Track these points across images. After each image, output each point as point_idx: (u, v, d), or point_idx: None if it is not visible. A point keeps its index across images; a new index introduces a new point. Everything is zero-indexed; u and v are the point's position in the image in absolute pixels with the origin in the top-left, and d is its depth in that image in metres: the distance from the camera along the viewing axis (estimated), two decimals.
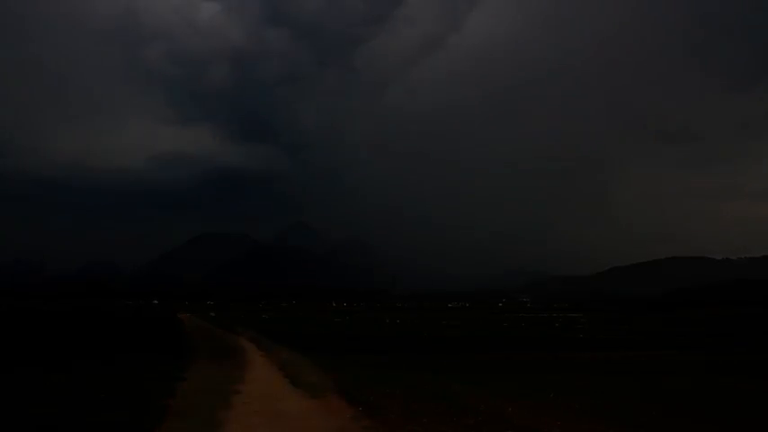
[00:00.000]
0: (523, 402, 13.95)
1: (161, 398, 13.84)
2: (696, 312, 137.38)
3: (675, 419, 12.52)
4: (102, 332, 28.00)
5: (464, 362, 23.85)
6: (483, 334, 48.09)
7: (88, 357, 23.62)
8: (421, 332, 48.88)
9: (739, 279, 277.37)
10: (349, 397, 14.20)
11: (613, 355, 28.86)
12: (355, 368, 20.46)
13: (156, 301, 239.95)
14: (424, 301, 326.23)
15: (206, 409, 13.06)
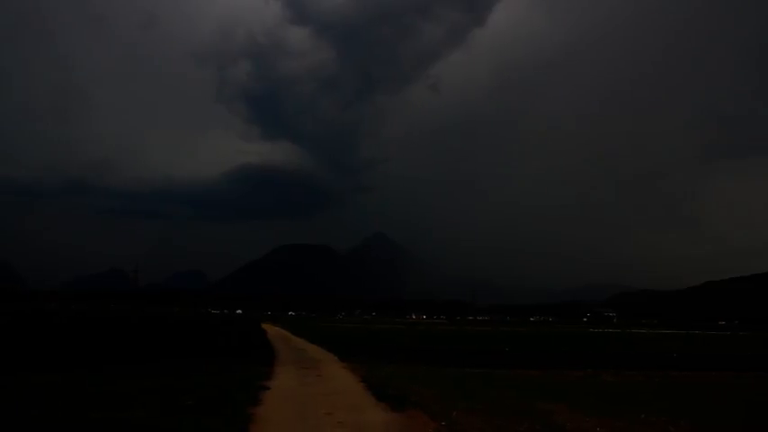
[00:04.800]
0: (614, 422, 13.35)
1: (246, 406, 14.19)
2: None
3: None
4: (185, 338, 29.10)
5: (551, 378, 23.11)
6: (570, 349, 46.54)
7: (173, 358, 24.61)
8: (503, 347, 47.83)
9: None
10: (431, 412, 14.04)
11: (713, 375, 27.15)
12: (436, 381, 20.24)
13: (239, 311, 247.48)
14: (505, 314, 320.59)
15: (291, 417, 13.28)
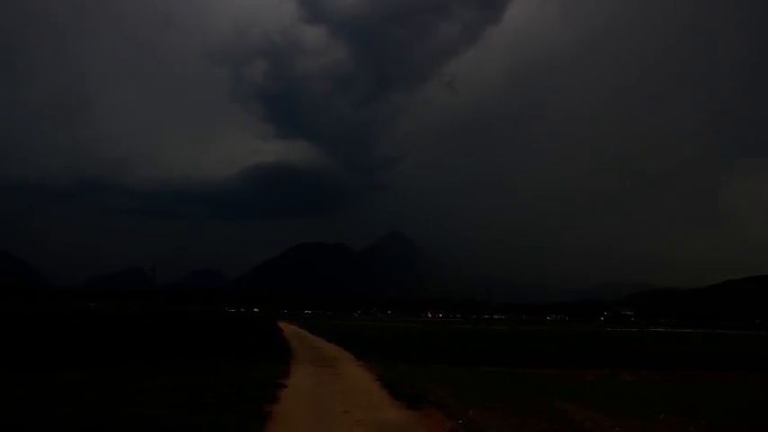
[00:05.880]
0: (632, 422, 13.24)
1: (264, 404, 14.27)
2: None
3: None
4: (203, 336, 29.34)
5: (568, 377, 22.99)
6: (587, 348, 46.32)
7: (191, 356, 24.78)
8: (519, 345, 47.69)
9: None
10: (448, 410, 14.02)
11: (733, 375, 26.79)
12: (452, 380, 20.22)
13: (256, 309, 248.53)
14: (521, 313, 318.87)
15: (308, 415, 13.35)
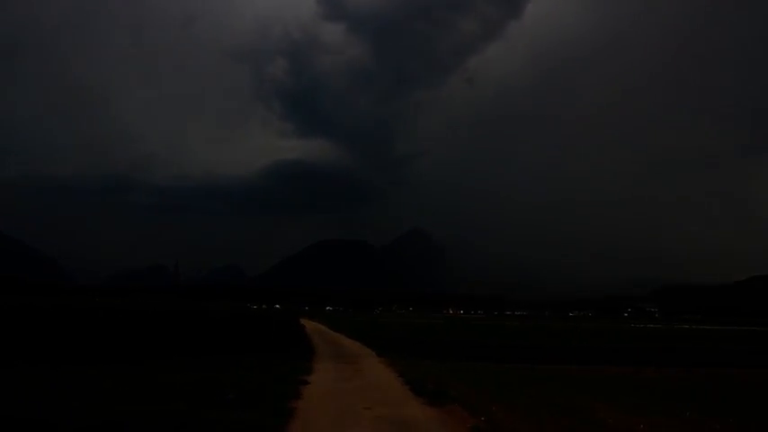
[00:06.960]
0: (656, 419, 13.10)
1: (287, 400, 14.36)
2: None
3: None
4: (225, 333, 29.58)
5: (591, 374, 22.81)
6: (610, 345, 45.99)
7: (214, 353, 25.01)
8: (542, 342, 47.43)
9: None
10: (470, 407, 14.00)
11: (760, 372, 26.33)
12: (475, 377, 20.16)
13: (277, 306, 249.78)
14: (544, 309, 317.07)
15: (331, 411, 13.42)
